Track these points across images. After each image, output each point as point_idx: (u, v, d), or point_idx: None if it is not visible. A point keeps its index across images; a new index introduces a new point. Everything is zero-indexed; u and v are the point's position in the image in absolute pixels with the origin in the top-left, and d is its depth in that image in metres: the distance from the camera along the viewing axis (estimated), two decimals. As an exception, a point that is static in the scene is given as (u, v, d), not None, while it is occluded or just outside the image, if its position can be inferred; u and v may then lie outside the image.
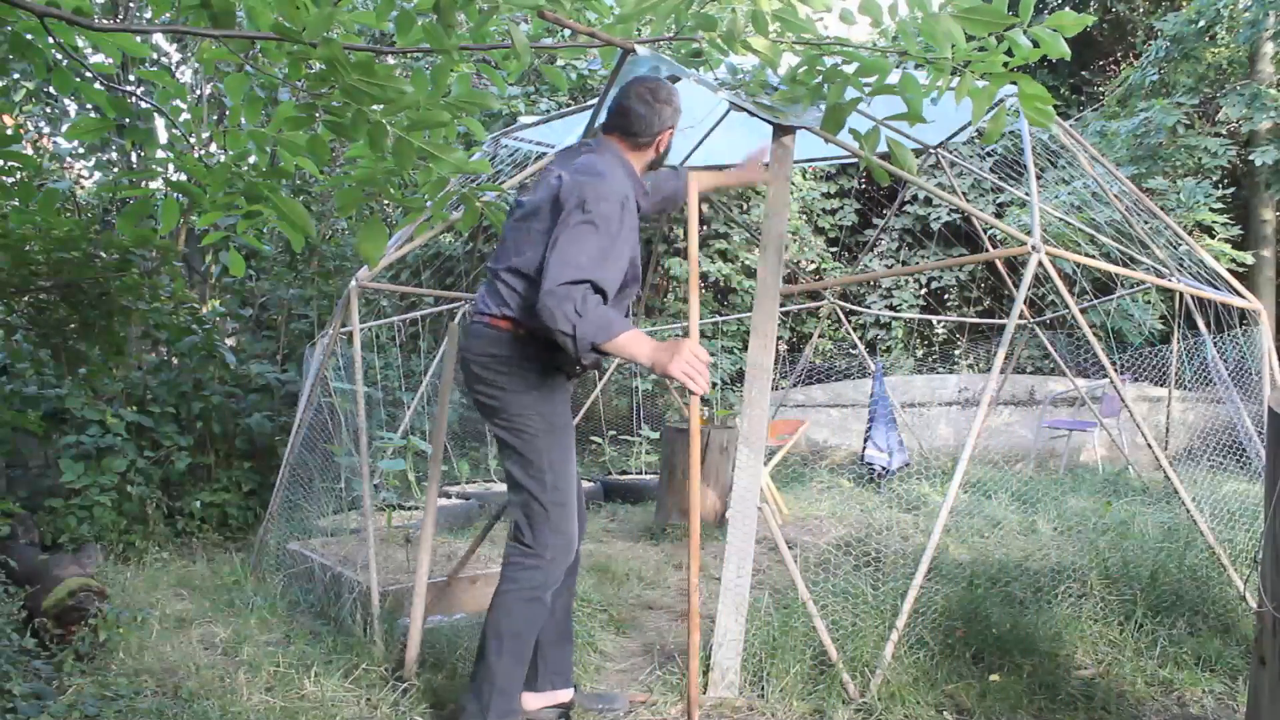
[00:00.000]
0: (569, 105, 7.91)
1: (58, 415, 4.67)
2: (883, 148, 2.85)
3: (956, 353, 10.26)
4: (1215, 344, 5.15)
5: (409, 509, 5.16)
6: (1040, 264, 3.17)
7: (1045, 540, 4.75)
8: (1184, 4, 9.74)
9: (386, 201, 3.02)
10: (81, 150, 7.12)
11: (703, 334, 9.67)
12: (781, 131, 3.06)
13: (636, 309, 8.60)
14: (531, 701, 2.70)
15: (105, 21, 6.52)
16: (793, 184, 10.23)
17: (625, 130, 2.64)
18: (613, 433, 8.14)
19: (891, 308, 10.42)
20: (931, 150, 5.90)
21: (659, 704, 2.80)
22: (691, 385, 2.31)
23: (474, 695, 2.50)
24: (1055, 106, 2.64)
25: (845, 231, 10.83)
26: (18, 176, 3.31)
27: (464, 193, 3.08)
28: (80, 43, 2.67)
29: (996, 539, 4.87)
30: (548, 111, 7.61)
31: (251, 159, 2.88)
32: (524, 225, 2.55)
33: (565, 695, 2.75)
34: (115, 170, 7.16)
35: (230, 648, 3.29)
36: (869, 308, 10.24)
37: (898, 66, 2.77)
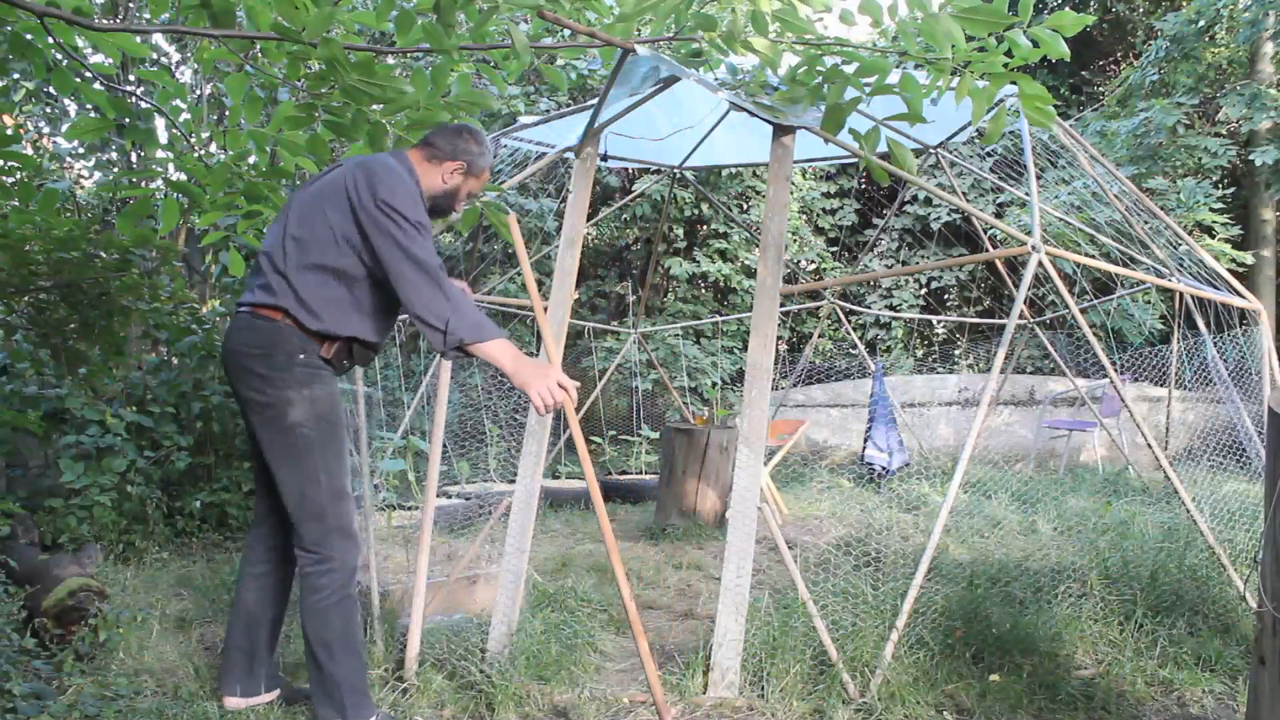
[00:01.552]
0: (569, 105, 7.91)
1: (58, 415, 4.66)
2: (883, 148, 2.85)
3: (956, 353, 10.26)
4: (1215, 344, 5.15)
5: (409, 509, 5.16)
6: (1040, 264, 3.17)
7: (1045, 540, 4.75)
8: (1184, 4, 9.74)
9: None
10: (81, 150, 7.12)
11: (702, 334, 9.67)
12: (781, 131, 3.06)
13: (637, 309, 8.59)
14: (238, 703, 2.71)
15: (105, 21, 6.51)
16: (793, 184, 10.22)
17: (425, 141, 2.64)
18: (613, 433, 8.14)
19: (891, 308, 10.42)
20: (931, 150, 5.90)
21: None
22: (540, 408, 2.39)
23: (325, 702, 2.50)
24: (1055, 106, 2.64)
25: (845, 231, 10.83)
26: (18, 176, 3.32)
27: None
28: (80, 43, 2.67)
29: (996, 539, 4.87)
30: (548, 111, 7.61)
31: (251, 159, 2.88)
32: (292, 220, 2.48)
33: (271, 696, 2.77)
34: (115, 170, 7.17)
35: (230, 648, 3.28)
36: (869, 308, 10.24)
37: (898, 66, 2.77)
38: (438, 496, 5.22)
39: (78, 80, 2.59)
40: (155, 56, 7.86)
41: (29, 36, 2.38)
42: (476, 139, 2.67)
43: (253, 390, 2.46)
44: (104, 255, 4.17)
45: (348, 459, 2.56)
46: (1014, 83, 2.53)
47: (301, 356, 2.44)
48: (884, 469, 6.72)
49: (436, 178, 2.63)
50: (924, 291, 10.67)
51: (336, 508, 2.51)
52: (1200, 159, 8.71)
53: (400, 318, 3.08)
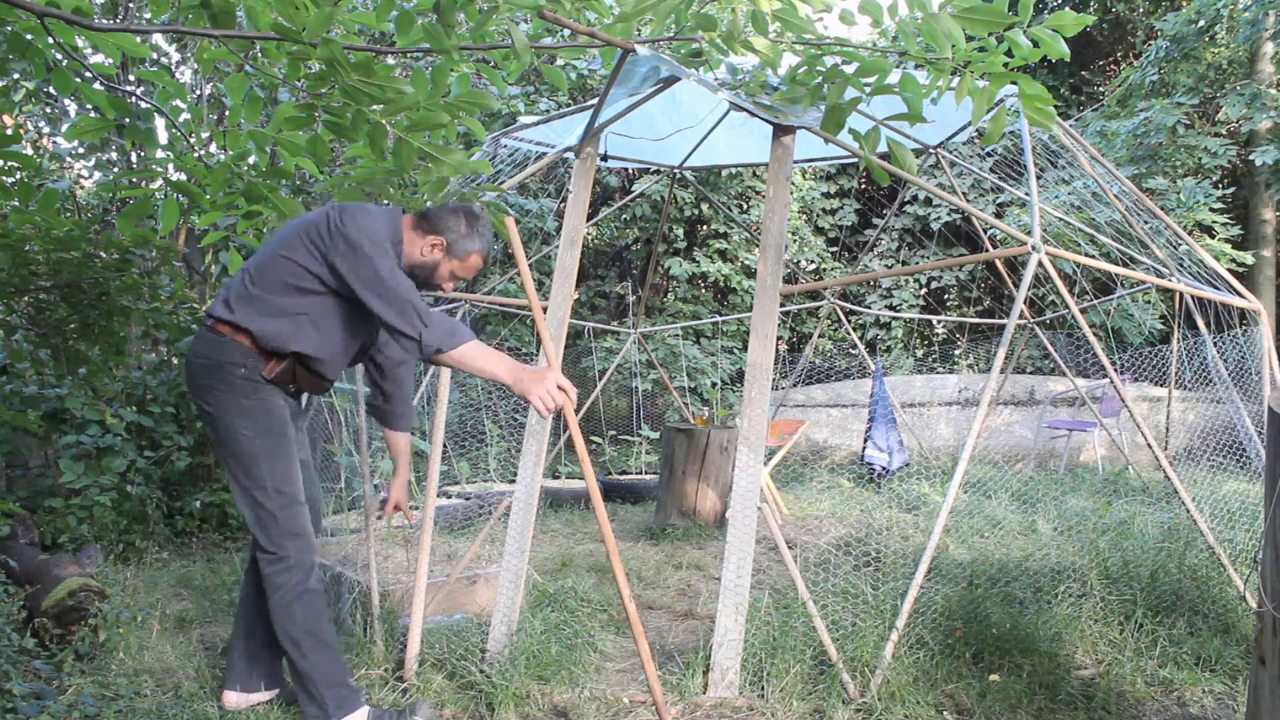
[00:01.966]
0: (569, 105, 7.91)
1: (58, 415, 4.67)
2: (883, 148, 2.85)
3: (956, 353, 10.26)
4: (1215, 344, 5.15)
5: (409, 509, 5.15)
6: (1040, 264, 3.17)
7: (1045, 540, 4.75)
8: (1184, 4, 9.74)
9: (386, 202, 3.03)
10: (81, 150, 7.12)
11: (702, 334, 9.67)
12: (781, 131, 3.06)
13: (637, 309, 8.59)
14: (237, 700, 2.76)
15: (105, 21, 6.52)
16: (793, 184, 10.22)
17: (421, 213, 2.74)
18: (613, 433, 8.14)
19: (891, 308, 10.42)
20: (931, 150, 5.90)
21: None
22: (542, 412, 2.47)
23: (307, 699, 2.57)
24: (1055, 106, 2.64)
25: (845, 231, 10.83)
26: (18, 176, 3.31)
27: (464, 193, 3.08)
28: (80, 43, 2.67)
29: (996, 539, 4.88)
30: (548, 111, 7.61)
31: (251, 159, 2.88)
32: (266, 247, 2.63)
33: (269, 695, 2.81)
34: (115, 170, 7.16)
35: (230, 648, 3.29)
36: (869, 308, 10.24)
37: (898, 66, 2.77)
38: (438, 496, 5.22)
39: (78, 80, 2.59)
40: (155, 56, 7.86)
41: (29, 36, 2.38)
42: (469, 222, 2.73)
43: (202, 400, 2.59)
44: (104, 255, 4.17)
45: (296, 468, 2.63)
46: (1014, 83, 2.53)
47: (242, 371, 2.54)
48: (884, 469, 6.72)
49: (416, 249, 2.71)
50: (924, 291, 10.67)
51: (286, 513, 2.59)
52: (1200, 159, 8.71)
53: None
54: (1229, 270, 6.56)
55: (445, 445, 5.03)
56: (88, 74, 2.59)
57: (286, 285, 2.55)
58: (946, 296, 10.69)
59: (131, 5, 7.49)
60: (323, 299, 2.59)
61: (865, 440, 6.86)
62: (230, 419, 2.54)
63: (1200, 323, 4.92)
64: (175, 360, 5.59)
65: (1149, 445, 3.30)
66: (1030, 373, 9.05)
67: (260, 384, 2.57)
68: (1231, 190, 8.95)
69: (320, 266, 2.55)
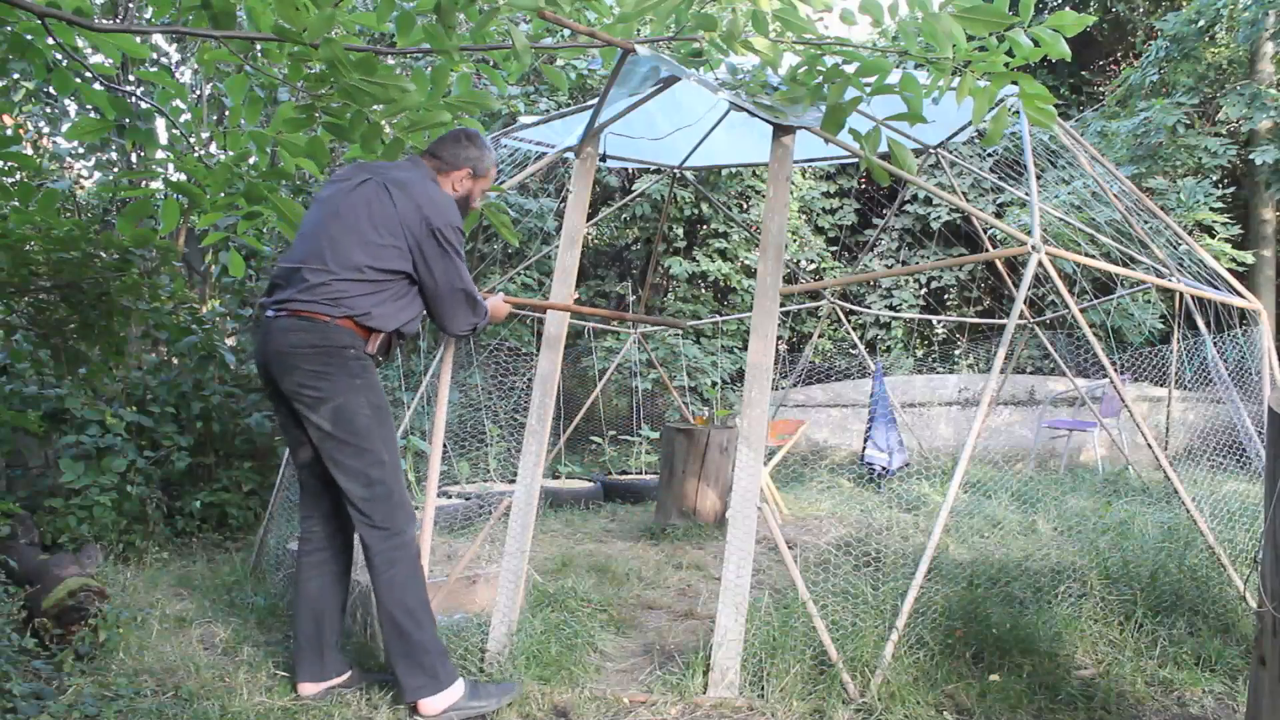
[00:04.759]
0: (569, 105, 7.91)
1: (58, 415, 4.66)
2: (883, 148, 2.85)
3: (956, 353, 10.26)
4: (1215, 344, 5.15)
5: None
6: (1040, 264, 3.17)
7: (1045, 540, 4.75)
8: (1184, 4, 9.74)
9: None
10: (81, 150, 7.11)
11: (702, 334, 9.67)
12: (781, 131, 3.06)
13: (637, 309, 8.59)
14: (315, 690, 2.80)
15: (105, 22, 6.51)
16: (793, 184, 10.22)
17: (430, 154, 2.87)
18: (613, 433, 8.14)
19: (891, 308, 10.42)
20: (931, 150, 5.90)
21: (659, 704, 2.80)
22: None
23: (416, 671, 2.62)
24: (1055, 106, 2.64)
25: (845, 231, 10.83)
26: (18, 176, 3.32)
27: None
28: (80, 43, 2.67)
29: (996, 539, 4.88)
30: (548, 111, 7.61)
31: (252, 159, 2.88)
32: (338, 225, 2.67)
33: (343, 678, 2.87)
34: (115, 170, 7.16)
35: (230, 648, 3.29)
36: (869, 308, 10.24)
37: (898, 66, 2.77)
38: (438, 496, 5.22)
39: (78, 81, 2.59)
40: (155, 57, 7.85)
41: (29, 37, 2.38)
42: (475, 142, 2.88)
43: (307, 388, 2.62)
44: (104, 255, 4.17)
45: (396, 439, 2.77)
46: (1015, 82, 2.53)
47: (352, 351, 2.64)
48: (884, 469, 6.72)
49: (448, 187, 2.85)
50: (924, 291, 10.67)
51: (398, 486, 2.70)
52: (1200, 159, 8.70)
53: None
54: (1229, 270, 6.56)
55: (445, 445, 5.03)
56: (88, 74, 2.59)
57: (379, 270, 2.64)
58: (946, 296, 10.68)
59: (131, 5, 7.49)
60: (405, 274, 2.72)
61: (865, 440, 6.86)
62: (347, 400, 2.61)
63: (1200, 323, 4.92)
64: (175, 360, 5.59)
65: (1149, 445, 3.30)
66: (1030, 373, 9.05)
67: (367, 361, 2.68)
68: (1231, 190, 8.95)
69: (403, 247, 2.67)
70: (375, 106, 2.51)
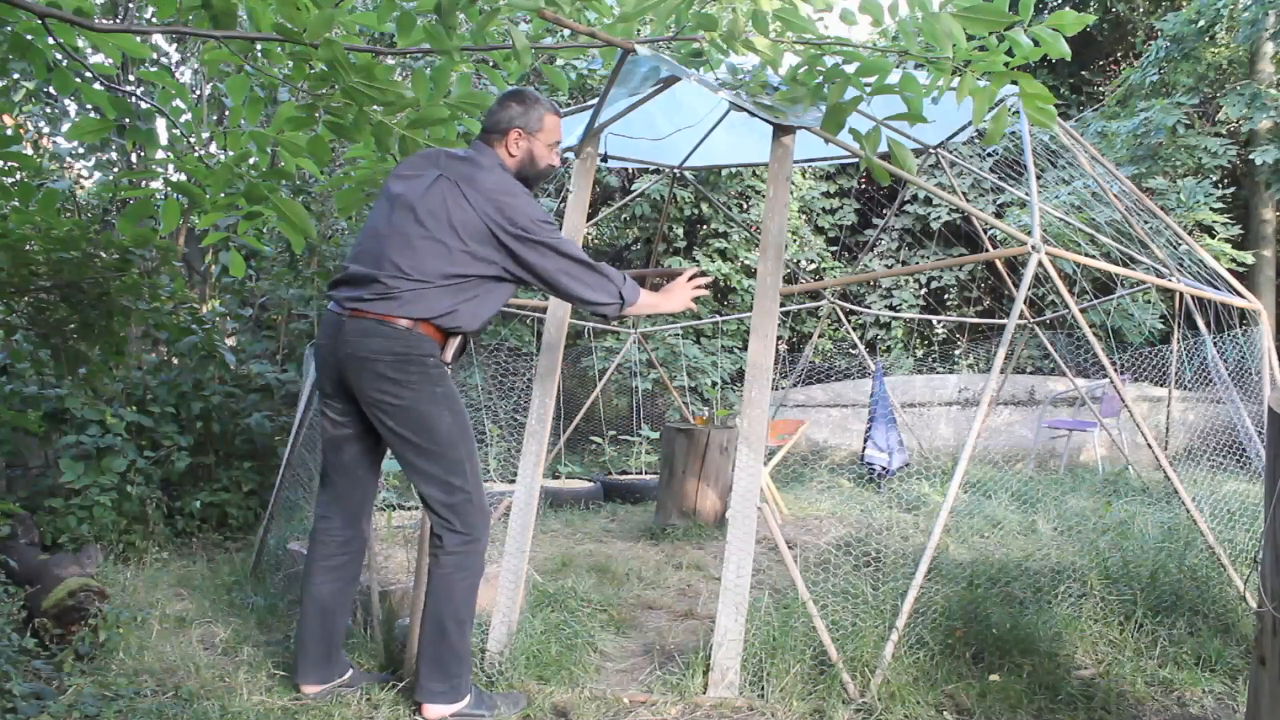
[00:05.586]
0: (569, 105, 7.91)
1: (58, 415, 4.66)
2: (883, 148, 2.84)
3: (956, 353, 10.25)
4: (1215, 344, 5.15)
5: (409, 509, 5.15)
6: (1040, 264, 3.17)
7: (1045, 540, 4.75)
8: (1184, 4, 9.74)
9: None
10: (81, 150, 7.11)
11: (702, 334, 9.67)
12: (781, 131, 3.06)
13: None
14: (320, 690, 2.81)
15: (105, 22, 6.51)
16: (793, 184, 10.22)
17: (484, 129, 2.76)
18: (613, 433, 8.14)
19: (891, 308, 10.42)
20: (931, 150, 5.90)
21: (659, 704, 2.80)
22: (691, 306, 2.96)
23: (440, 677, 2.62)
24: (1055, 106, 2.64)
25: (845, 231, 10.83)
26: (18, 176, 3.32)
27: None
28: (80, 43, 2.67)
29: (996, 539, 4.88)
30: (548, 111, 7.59)
31: (252, 159, 2.88)
32: (413, 229, 2.58)
33: (346, 677, 2.88)
34: (115, 170, 7.16)
35: (230, 648, 3.29)
36: (869, 308, 10.24)
37: (898, 66, 2.77)
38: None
39: (78, 81, 2.59)
40: (156, 57, 7.85)
41: (29, 37, 2.38)
42: (518, 98, 2.75)
43: (387, 395, 2.57)
44: (104, 255, 4.17)
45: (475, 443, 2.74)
46: (1015, 82, 2.53)
47: (432, 359, 2.60)
48: (884, 469, 6.72)
49: (504, 155, 2.73)
50: (924, 291, 10.67)
51: (479, 491, 2.68)
52: (1200, 159, 8.70)
53: None
54: (1229, 270, 6.55)
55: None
56: (88, 74, 2.59)
57: (460, 276, 2.58)
58: (946, 296, 10.68)
59: (131, 5, 7.49)
60: (489, 280, 2.65)
61: (865, 440, 6.86)
62: (428, 408, 2.58)
63: (1200, 323, 4.92)
64: (175, 360, 5.59)
65: (1149, 445, 3.30)
66: (1030, 373, 9.05)
67: (445, 368, 2.65)
68: (1231, 190, 8.95)
69: (488, 251, 2.59)
70: (375, 107, 2.51)
